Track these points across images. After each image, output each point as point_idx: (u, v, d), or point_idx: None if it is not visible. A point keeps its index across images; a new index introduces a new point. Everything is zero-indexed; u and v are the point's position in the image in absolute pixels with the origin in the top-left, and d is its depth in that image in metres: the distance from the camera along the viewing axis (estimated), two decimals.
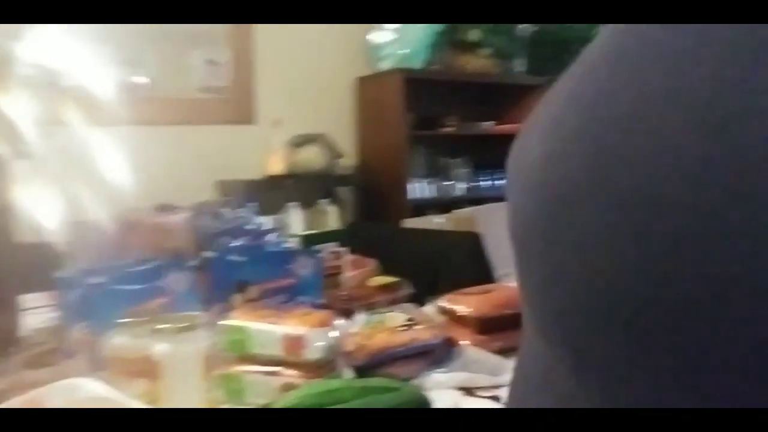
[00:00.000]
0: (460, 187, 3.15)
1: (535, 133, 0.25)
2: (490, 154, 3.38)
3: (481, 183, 3.23)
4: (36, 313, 1.29)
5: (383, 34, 3.05)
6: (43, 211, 1.37)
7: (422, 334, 0.84)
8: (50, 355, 1.00)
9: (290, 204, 2.55)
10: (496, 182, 3.28)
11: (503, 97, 3.44)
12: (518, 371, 0.30)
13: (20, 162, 1.09)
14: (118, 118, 2.43)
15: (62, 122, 1.13)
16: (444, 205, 2.90)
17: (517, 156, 0.28)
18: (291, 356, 0.77)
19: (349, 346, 0.83)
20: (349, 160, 2.94)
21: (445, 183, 3.10)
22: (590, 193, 0.19)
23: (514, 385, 0.30)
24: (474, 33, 3.12)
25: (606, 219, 0.19)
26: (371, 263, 1.29)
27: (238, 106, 2.74)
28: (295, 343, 0.77)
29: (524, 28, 3.30)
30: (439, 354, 0.83)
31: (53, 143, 1.15)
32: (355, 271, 1.25)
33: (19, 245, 1.17)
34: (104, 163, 2.36)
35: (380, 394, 0.69)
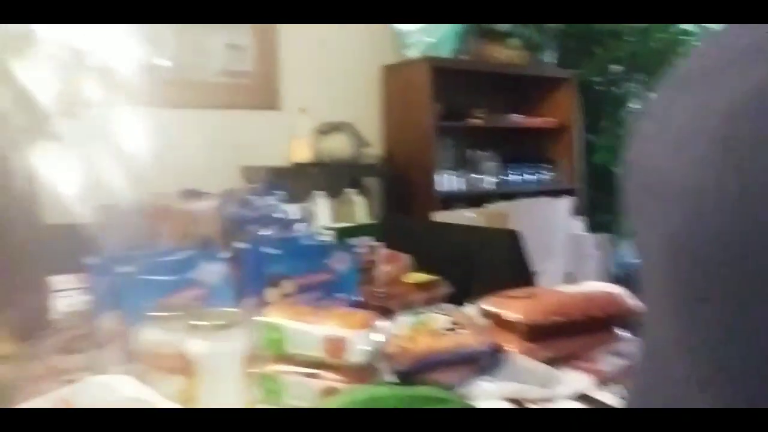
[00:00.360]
0: (488, 181, 3.08)
1: (691, 142, 0.22)
2: (518, 148, 3.31)
3: (511, 177, 3.16)
4: (66, 295, 1.27)
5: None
6: (71, 192, 1.34)
7: (467, 340, 0.80)
8: (81, 340, 0.97)
9: (316, 192, 2.51)
10: (526, 177, 3.21)
11: (532, 90, 3.37)
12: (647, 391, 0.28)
13: (47, 143, 1.06)
14: (142, 100, 2.39)
15: (88, 103, 1.11)
16: (473, 198, 2.85)
17: (667, 164, 0.24)
18: (332, 358, 0.73)
19: (392, 348, 0.79)
20: (375, 150, 2.89)
21: (473, 176, 3.04)
22: None
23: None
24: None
25: None
26: (405, 258, 1.25)
27: (262, 92, 2.70)
28: (336, 345, 0.73)
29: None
30: (486, 361, 0.79)
31: (80, 124, 1.12)
32: (389, 266, 1.21)
33: (48, 226, 1.15)
34: (129, 146, 2.33)
35: (429, 404, 0.65)
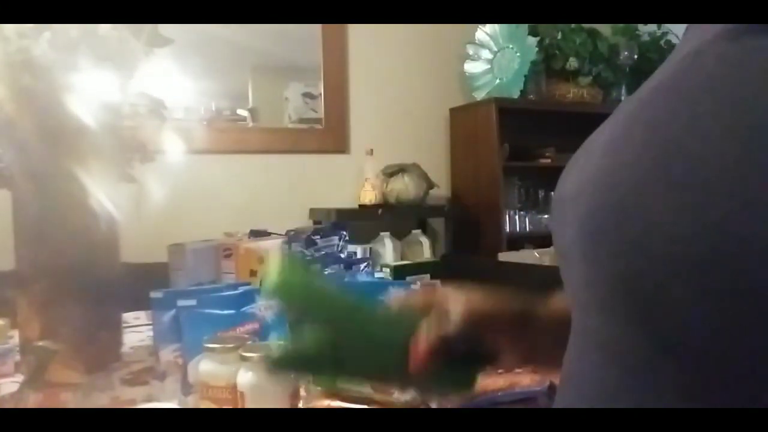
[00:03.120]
0: None
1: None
2: None
3: None
4: (137, 330, 1.33)
5: (478, 64, 3.01)
6: (147, 232, 1.41)
7: (523, 379, 0.77)
8: (146, 373, 1.01)
9: (382, 233, 2.53)
10: None
11: None
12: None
13: (127, 186, 1.13)
14: (222, 146, 2.52)
15: (166, 149, 1.17)
16: (539, 238, 2.79)
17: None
18: (380, 395, 0.72)
19: None
20: (442, 191, 2.90)
21: (540, 216, 2.98)
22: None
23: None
24: (572, 62, 3.02)
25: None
26: None
27: (331, 136, 2.78)
28: None
29: (626, 57, 3.16)
30: (542, 403, 0.75)
31: (157, 168, 1.19)
32: None
33: (125, 265, 1.21)
34: (204, 189, 2.45)
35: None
